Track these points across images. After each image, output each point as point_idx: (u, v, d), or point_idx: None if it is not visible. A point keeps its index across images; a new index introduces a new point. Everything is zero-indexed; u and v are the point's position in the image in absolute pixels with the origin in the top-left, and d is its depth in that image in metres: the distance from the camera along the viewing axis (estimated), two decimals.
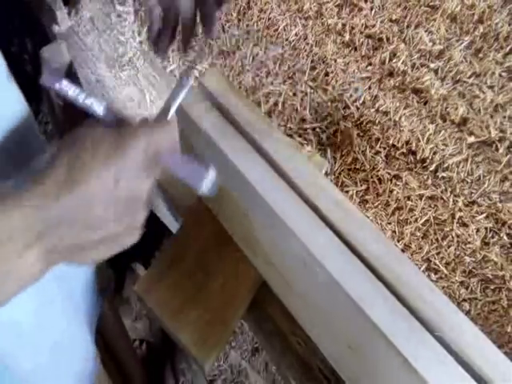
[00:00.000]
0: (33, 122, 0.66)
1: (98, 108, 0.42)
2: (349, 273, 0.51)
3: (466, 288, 0.77)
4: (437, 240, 0.80)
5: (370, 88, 0.96)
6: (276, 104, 0.93)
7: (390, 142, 0.89)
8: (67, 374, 0.78)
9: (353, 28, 1.04)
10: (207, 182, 0.42)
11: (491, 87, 0.95)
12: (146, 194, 0.43)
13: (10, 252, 0.36)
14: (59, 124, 1.14)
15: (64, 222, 0.39)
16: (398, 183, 0.85)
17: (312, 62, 1.00)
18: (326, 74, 0.98)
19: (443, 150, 0.88)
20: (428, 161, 0.87)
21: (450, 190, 0.85)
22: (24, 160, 0.54)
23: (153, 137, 0.42)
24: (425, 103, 0.94)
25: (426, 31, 1.03)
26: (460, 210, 0.83)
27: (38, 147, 0.66)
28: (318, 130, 0.91)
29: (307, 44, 1.02)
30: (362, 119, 0.92)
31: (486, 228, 0.81)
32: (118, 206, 0.41)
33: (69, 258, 0.41)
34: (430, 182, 0.85)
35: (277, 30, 1.04)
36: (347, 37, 1.03)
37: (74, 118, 1.13)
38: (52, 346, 0.72)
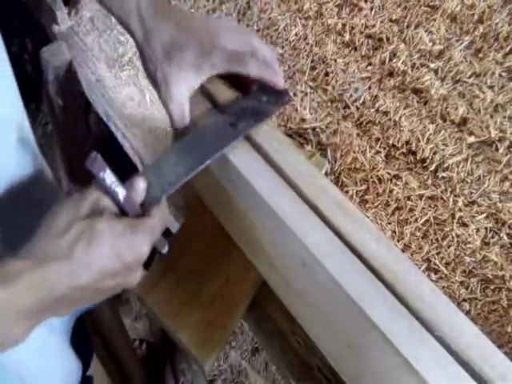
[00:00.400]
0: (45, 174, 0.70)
1: (121, 197, 0.47)
2: (349, 272, 0.51)
3: (466, 288, 0.77)
4: (437, 240, 0.80)
5: (369, 88, 0.96)
6: None
7: (390, 141, 0.89)
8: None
9: (353, 28, 1.04)
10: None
11: (491, 87, 0.95)
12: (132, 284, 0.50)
13: (5, 327, 0.41)
14: (59, 124, 1.14)
15: (58, 306, 0.45)
16: (397, 183, 0.85)
17: (312, 61, 1.00)
18: (326, 74, 0.98)
19: (443, 149, 0.88)
20: (428, 161, 0.87)
21: (449, 189, 0.85)
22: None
23: (154, 238, 0.49)
24: (425, 103, 0.94)
25: (426, 31, 1.03)
26: (460, 210, 0.82)
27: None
28: (317, 129, 0.91)
29: (307, 44, 1.02)
30: (361, 119, 0.92)
31: (485, 228, 0.81)
32: (110, 289, 0.48)
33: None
34: (429, 181, 0.85)
35: (277, 29, 1.04)
36: (347, 37, 1.03)
37: (73, 118, 1.13)
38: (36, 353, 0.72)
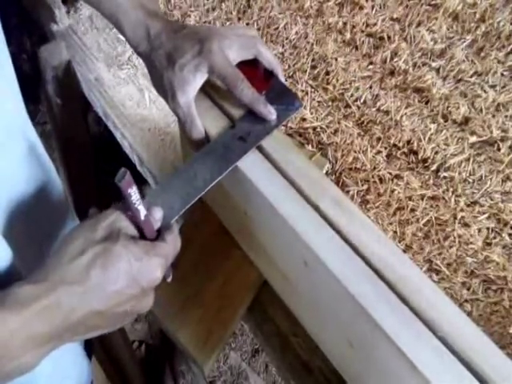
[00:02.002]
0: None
1: (142, 217, 0.48)
2: (351, 271, 0.51)
3: (468, 289, 0.76)
4: (438, 240, 0.80)
5: (371, 87, 0.95)
6: None
7: (391, 141, 0.89)
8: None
9: (354, 27, 1.04)
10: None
11: (493, 86, 0.95)
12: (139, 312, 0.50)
13: (8, 354, 0.40)
14: (57, 124, 1.13)
15: (72, 333, 0.44)
16: (399, 183, 0.85)
17: (313, 60, 0.99)
18: (327, 73, 0.97)
19: (445, 149, 0.87)
20: (429, 161, 0.86)
21: (451, 190, 0.84)
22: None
23: (168, 262, 0.50)
24: (426, 102, 0.93)
25: (427, 30, 1.02)
26: (462, 211, 0.82)
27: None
28: (318, 129, 0.90)
29: (308, 43, 1.01)
30: (362, 119, 0.91)
31: (487, 228, 0.81)
32: (120, 318, 0.48)
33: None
34: (431, 181, 0.85)
35: (277, 28, 1.04)
36: (348, 35, 1.02)
37: (72, 117, 1.12)
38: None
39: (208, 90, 0.63)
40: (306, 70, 0.97)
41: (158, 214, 0.51)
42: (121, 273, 0.45)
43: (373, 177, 0.85)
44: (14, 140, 0.58)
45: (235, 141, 0.59)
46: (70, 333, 0.44)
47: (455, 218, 0.81)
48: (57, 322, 0.42)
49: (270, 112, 0.60)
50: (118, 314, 0.46)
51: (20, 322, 0.40)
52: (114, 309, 0.45)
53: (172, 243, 0.50)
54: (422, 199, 0.83)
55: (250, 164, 0.58)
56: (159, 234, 0.51)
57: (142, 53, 0.63)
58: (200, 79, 0.59)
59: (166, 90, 0.60)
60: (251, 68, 0.62)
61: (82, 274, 0.43)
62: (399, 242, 0.79)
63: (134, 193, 0.46)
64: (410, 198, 0.83)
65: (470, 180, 0.85)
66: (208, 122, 0.61)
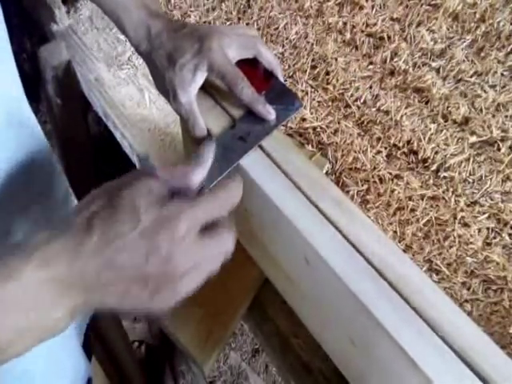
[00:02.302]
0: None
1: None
2: (352, 269, 0.51)
3: (468, 289, 0.76)
4: (438, 240, 0.80)
5: (371, 87, 0.95)
6: None
7: (391, 141, 0.89)
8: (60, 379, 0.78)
9: (354, 27, 1.04)
10: None
11: (493, 86, 0.95)
12: (178, 274, 0.42)
13: (40, 308, 0.38)
14: (57, 124, 1.13)
15: (89, 287, 0.40)
16: (399, 183, 0.85)
17: (313, 60, 0.99)
18: (327, 73, 0.97)
19: (445, 149, 0.87)
20: (429, 160, 0.86)
21: (451, 190, 0.84)
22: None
23: (199, 215, 0.43)
24: (426, 102, 0.93)
25: (427, 30, 1.02)
26: (462, 211, 0.82)
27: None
28: (318, 129, 0.90)
29: (308, 43, 1.01)
30: (362, 119, 0.91)
31: (487, 228, 0.81)
32: (147, 286, 0.41)
33: (92, 310, 0.43)
34: (431, 181, 0.85)
35: (277, 28, 1.04)
36: (348, 35, 1.02)
37: (72, 117, 1.12)
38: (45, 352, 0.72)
39: (209, 90, 0.64)
40: (306, 70, 0.97)
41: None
42: (123, 221, 0.40)
43: (373, 177, 0.85)
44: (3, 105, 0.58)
45: (235, 141, 0.59)
46: (90, 284, 0.40)
47: (455, 218, 0.81)
48: (68, 267, 0.39)
49: (269, 112, 0.60)
50: (136, 271, 0.41)
51: (33, 268, 0.38)
52: (125, 262, 0.40)
53: (211, 196, 0.45)
54: (422, 199, 0.83)
55: (251, 162, 0.58)
56: None
57: (142, 52, 0.63)
58: (200, 78, 0.59)
59: (167, 90, 0.60)
60: (251, 68, 0.62)
61: (86, 222, 0.41)
62: (399, 241, 0.79)
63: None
64: (410, 198, 0.83)
65: (470, 180, 0.85)
66: (210, 121, 0.62)
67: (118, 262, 0.40)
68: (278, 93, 0.62)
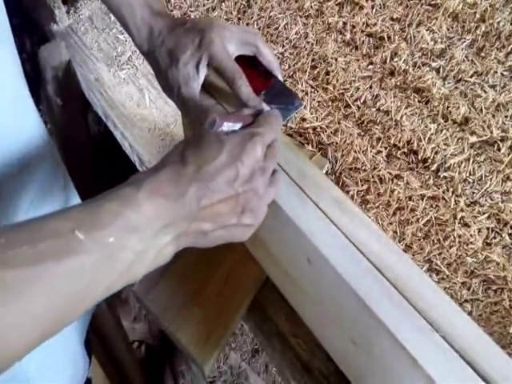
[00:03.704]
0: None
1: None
2: (354, 269, 0.51)
3: (468, 289, 0.76)
4: (438, 240, 0.80)
5: (371, 87, 0.95)
6: None
7: (391, 141, 0.89)
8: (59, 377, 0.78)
9: (354, 27, 1.03)
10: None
11: (493, 86, 0.95)
12: (260, 192, 0.49)
13: (147, 236, 0.41)
14: (57, 124, 1.13)
15: (190, 213, 0.44)
16: (399, 183, 0.85)
17: (313, 60, 0.99)
18: (327, 73, 0.97)
19: (445, 149, 0.87)
20: (429, 160, 0.86)
21: (451, 190, 0.84)
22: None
23: (264, 137, 0.49)
24: (426, 102, 0.93)
25: (427, 30, 1.02)
26: (462, 211, 0.82)
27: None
28: (318, 129, 0.90)
29: (308, 43, 1.01)
30: (362, 119, 0.91)
31: (487, 228, 0.81)
32: (237, 205, 0.47)
33: (194, 241, 0.47)
34: (431, 181, 0.85)
35: (277, 28, 1.04)
36: (348, 35, 1.02)
37: (72, 117, 1.12)
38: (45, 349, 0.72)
39: (209, 89, 0.64)
40: (306, 70, 0.97)
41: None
42: (210, 148, 0.46)
43: (373, 177, 0.85)
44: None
45: None
46: (193, 212, 0.44)
47: (455, 218, 0.81)
48: (171, 198, 0.42)
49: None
50: (230, 198, 0.46)
51: (145, 197, 0.41)
52: (219, 181, 0.45)
53: (262, 120, 0.52)
54: (422, 199, 0.83)
55: None
56: None
57: (145, 52, 0.63)
58: (202, 73, 0.60)
59: (171, 86, 0.60)
60: (251, 67, 0.62)
61: (177, 158, 0.45)
62: (399, 241, 0.79)
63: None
64: (410, 198, 0.83)
65: (470, 180, 0.85)
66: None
67: (212, 185, 0.44)
68: (277, 92, 0.62)
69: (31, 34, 1.26)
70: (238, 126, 0.50)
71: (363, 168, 0.86)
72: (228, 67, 0.58)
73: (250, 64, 0.62)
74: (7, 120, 0.60)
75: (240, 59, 0.61)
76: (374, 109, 0.92)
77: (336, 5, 1.07)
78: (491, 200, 0.83)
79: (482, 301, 0.75)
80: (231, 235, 0.49)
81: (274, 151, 0.51)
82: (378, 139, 0.89)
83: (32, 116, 0.68)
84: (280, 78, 0.64)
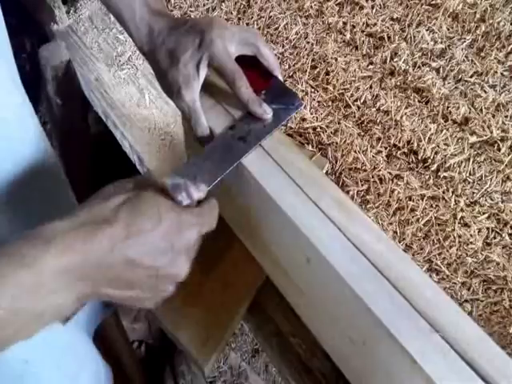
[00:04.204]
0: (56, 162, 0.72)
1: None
2: (353, 268, 0.51)
3: (468, 289, 0.76)
4: (438, 240, 0.80)
5: (371, 87, 0.95)
6: None
7: (392, 141, 0.89)
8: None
9: (354, 27, 1.04)
10: None
11: (493, 86, 0.95)
12: (180, 276, 0.48)
13: (49, 295, 0.39)
14: (57, 124, 1.13)
15: (102, 276, 0.42)
16: (399, 183, 0.85)
17: (313, 60, 0.99)
18: (327, 73, 0.97)
19: (445, 149, 0.87)
20: (429, 160, 0.86)
21: (451, 190, 0.84)
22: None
23: (202, 228, 0.49)
24: (426, 102, 0.93)
25: (427, 30, 1.02)
26: (462, 211, 0.82)
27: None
28: (318, 129, 0.90)
29: (308, 43, 1.02)
30: (362, 119, 0.91)
31: (487, 228, 0.81)
32: (150, 280, 0.45)
33: (97, 299, 0.46)
34: (431, 181, 0.85)
35: (277, 28, 1.04)
36: (348, 35, 1.02)
37: (72, 117, 1.12)
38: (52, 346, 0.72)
39: (209, 89, 0.64)
40: (306, 70, 0.97)
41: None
42: (148, 217, 0.43)
43: (373, 177, 0.85)
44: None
45: (235, 141, 0.59)
46: (102, 278, 0.42)
47: (455, 218, 0.81)
48: (86, 259, 0.40)
49: (266, 112, 0.60)
50: (150, 270, 0.44)
51: (49, 256, 0.39)
52: (144, 259, 0.43)
53: (207, 209, 0.50)
54: (422, 199, 0.83)
55: (253, 161, 0.58)
56: None
57: (146, 52, 0.63)
58: (203, 73, 0.59)
59: (171, 87, 0.60)
60: (251, 67, 0.62)
61: (109, 213, 0.43)
62: (399, 241, 0.79)
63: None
64: (410, 198, 0.83)
65: (470, 180, 0.85)
66: (212, 120, 0.61)
67: (135, 256, 0.42)
68: (277, 92, 0.62)
69: (31, 34, 1.26)
70: (188, 201, 0.48)
71: (363, 168, 0.86)
72: (228, 68, 0.58)
73: (251, 64, 0.62)
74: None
75: (240, 59, 0.61)
76: (374, 109, 0.92)
77: (336, 5, 1.07)
78: (491, 200, 0.83)
79: (482, 301, 0.75)
80: (140, 304, 0.48)
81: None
82: (378, 139, 0.89)
83: (33, 128, 0.67)
84: (280, 78, 0.64)
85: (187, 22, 0.61)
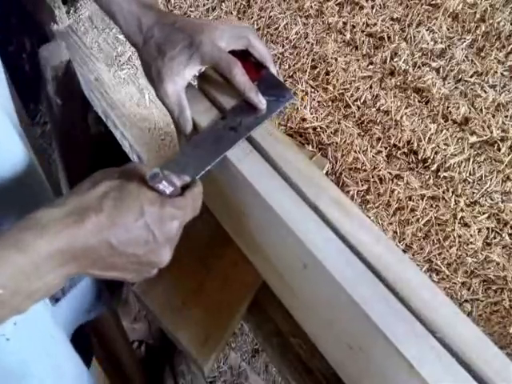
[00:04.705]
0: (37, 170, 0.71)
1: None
2: (350, 274, 0.50)
3: (468, 289, 0.76)
4: (438, 240, 0.80)
5: (371, 87, 0.95)
6: None
7: (392, 141, 0.89)
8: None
9: (354, 27, 1.03)
10: None
11: (493, 86, 0.95)
12: (161, 263, 0.51)
13: (40, 275, 0.43)
14: (57, 124, 1.13)
15: (89, 259, 0.46)
16: (399, 183, 0.85)
17: (313, 60, 0.99)
18: (327, 73, 0.97)
19: (445, 149, 0.87)
20: (429, 161, 0.86)
21: (451, 190, 0.84)
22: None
23: (185, 217, 0.51)
24: (426, 102, 0.93)
25: (427, 30, 1.02)
26: (462, 211, 0.82)
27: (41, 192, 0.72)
28: (318, 129, 0.90)
29: (308, 43, 1.01)
30: (362, 119, 0.91)
31: (487, 228, 0.81)
32: (138, 266, 0.49)
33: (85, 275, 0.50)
34: (431, 181, 0.85)
35: (277, 28, 1.03)
36: (348, 35, 1.02)
37: (72, 117, 1.12)
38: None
39: (199, 83, 0.64)
40: (306, 70, 0.97)
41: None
42: (131, 209, 0.46)
43: (373, 177, 0.85)
44: None
45: (226, 131, 0.59)
46: (88, 260, 0.46)
47: (455, 218, 0.81)
48: (74, 243, 0.44)
49: (261, 102, 0.60)
50: (132, 257, 0.47)
51: (43, 242, 0.42)
52: (127, 248, 0.46)
53: (190, 199, 0.51)
54: (422, 199, 0.83)
55: (249, 165, 0.58)
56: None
57: (135, 44, 0.63)
58: (191, 70, 0.60)
59: (153, 78, 0.61)
60: (242, 59, 0.61)
61: (95, 202, 0.45)
62: (399, 241, 0.79)
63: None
64: (410, 198, 0.83)
65: (470, 180, 0.85)
66: (197, 114, 0.61)
67: (120, 245, 0.46)
68: (269, 84, 0.62)
69: (31, 34, 1.26)
70: (171, 189, 0.49)
71: (363, 168, 0.86)
72: (223, 58, 0.58)
73: (241, 57, 0.62)
74: None
75: (231, 54, 0.61)
76: (374, 109, 0.92)
77: (336, 5, 1.07)
78: (491, 200, 0.83)
79: (482, 301, 0.75)
80: (122, 279, 0.51)
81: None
82: (378, 139, 0.89)
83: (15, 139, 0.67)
84: (273, 69, 0.63)
85: (177, 21, 0.62)
